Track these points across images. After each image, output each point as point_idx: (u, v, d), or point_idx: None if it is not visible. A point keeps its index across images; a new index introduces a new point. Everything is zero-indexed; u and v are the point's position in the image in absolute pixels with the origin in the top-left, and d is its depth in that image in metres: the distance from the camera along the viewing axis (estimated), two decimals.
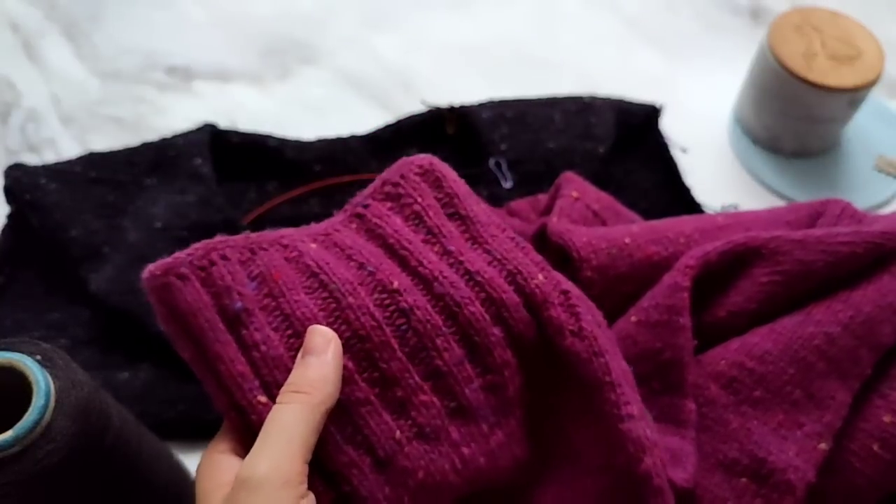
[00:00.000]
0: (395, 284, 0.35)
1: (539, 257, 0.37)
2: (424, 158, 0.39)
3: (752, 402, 0.40)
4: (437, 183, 0.38)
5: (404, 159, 0.39)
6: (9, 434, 0.29)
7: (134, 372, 0.50)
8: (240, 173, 0.58)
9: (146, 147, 0.57)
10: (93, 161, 0.56)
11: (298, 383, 0.32)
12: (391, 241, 0.36)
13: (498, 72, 0.70)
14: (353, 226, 0.38)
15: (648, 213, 0.53)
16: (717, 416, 0.40)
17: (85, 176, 0.55)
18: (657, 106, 0.63)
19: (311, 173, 0.58)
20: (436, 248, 0.36)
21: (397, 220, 0.37)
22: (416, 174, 0.38)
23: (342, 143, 0.60)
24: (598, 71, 0.70)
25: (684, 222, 0.47)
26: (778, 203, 0.62)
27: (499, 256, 0.36)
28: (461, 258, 0.36)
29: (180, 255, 0.33)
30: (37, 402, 0.30)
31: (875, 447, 0.39)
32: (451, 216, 0.38)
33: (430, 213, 0.37)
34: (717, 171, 0.64)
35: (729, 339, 0.43)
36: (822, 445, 0.39)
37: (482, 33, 0.73)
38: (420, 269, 0.35)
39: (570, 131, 0.60)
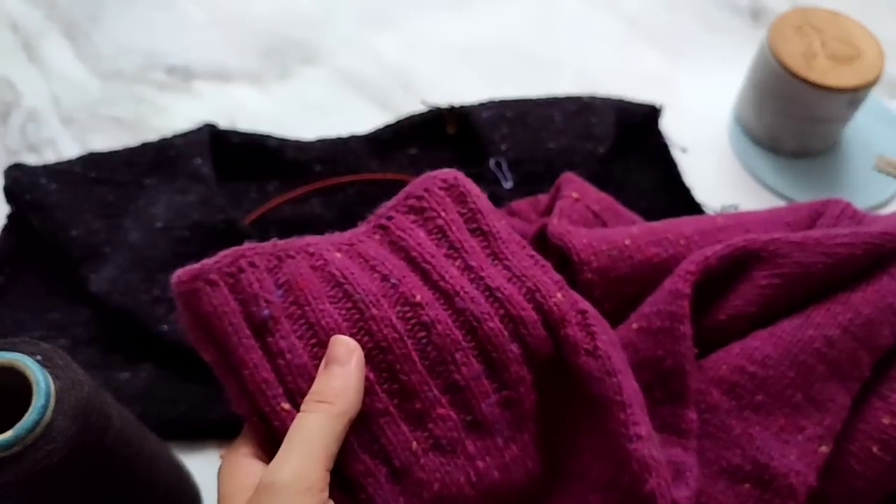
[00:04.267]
0: (418, 298, 0.35)
1: (558, 276, 0.38)
2: (449, 173, 0.39)
3: (753, 406, 0.40)
4: (461, 198, 0.39)
5: (429, 173, 0.39)
6: (9, 434, 0.29)
7: (135, 372, 0.50)
8: (240, 173, 0.58)
9: (146, 147, 0.57)
10: (93, 161, 0.56)
11: (322, 392, 0.32)
12: (414, 254, 0.37)
13: (498, 72, 0.70)
14: (377, 237, 0.38)
15: (648, 213, 0.53)
16: (720, 422, 0.40)
17: (85, 176, 0.55)
18: (657, 106, 0.63)
19: (312, 173, 0.58)
20: (457, 263, 0.37)
21: (420, 234, 0.38)
22: (440, 188, 0.39)
23: (342, 143, 0.60)
24: (598, 71, 0.70)
25: (684, 223, 0.47)
26: (778, 203, 0.62)
27: (519, 273, 0.37)
28: (482, 274, 0.36)
29: (209, 261, 0.34)
30: (37, 402, 0.30)
31: (874, 449, 0.39)
32: (473, 231, 0.38)
33: (454, 228, 0.38)
34: (717, 171, 0.64)
35: (729, 343, 0.43)
36: (823, 448, 0.39)
37: (482, 33, 0.73)
38: (441, 283, 0.36)
39: (570, 131, 0.60)
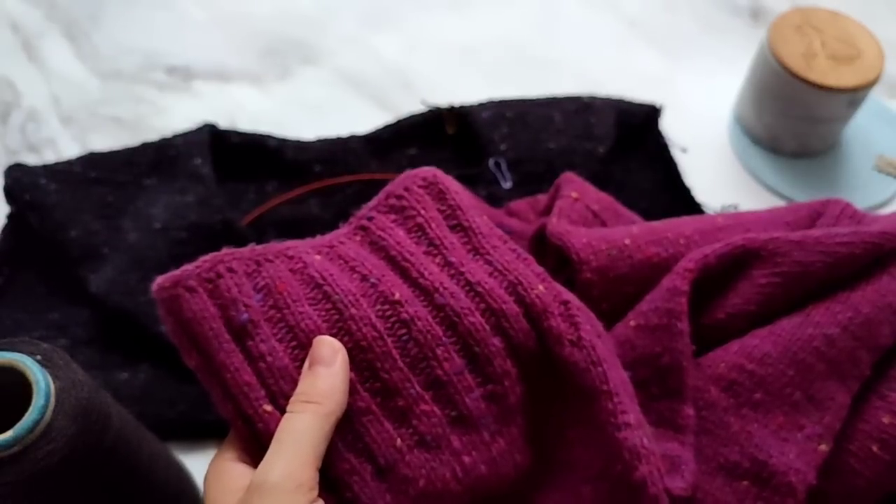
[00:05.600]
0: (397, 296, 0.35)
1: (540, 269, 0.38)
2: (428, 171, 0.39)
3: (752, 404, 0.40)
4: (440, 195, 0.39)
5: (408, 172, 0.40)
6: (9, 434, 0.29)
7: (134, 372, 0.50)
8: (239, 173, 0.58)
9: (146, 147, 0.57)
10: (93, 161, 0.56)
11: (309, 393, 0.32)
12: (393, 253, 0.37)
13: (498, 72, 0.70)
14: (358, 238, 0.38)
15: (648, 213, 0.53)
16: (718, 419, 0.40)
17: (85, 176, 0.55)
18: (657, 106, 0.63)
19: (311, 173, 0.58)
20: (437, 260, 0.37)
21: (400, 233, 0.38)
22: (419, 186, 0.39)
23: (342, 144, 0.60)
24: (598, 71, 0.70)
25: (684, 223, 0.47)
26: (778, 203, 0.62)
27: (500, 267, 0.37)
28: (462, 269, 0.37)
29: (188, 267, 0.34)
30: (37, 402, 0.30)
31: (874, 448, 0.39)
32: (453, 228, 0.38)
33: (433, 226, 0.38)
34: (717, 171, 0.64)
35: (728, 342, 0.43)
36: (823, 447, 0.39)
37: (482, 33, 0.73)
38: (421, 280, 0.36)
39: (570, 131, 0.60)
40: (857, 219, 0.46)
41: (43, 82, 0.66)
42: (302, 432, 0.32)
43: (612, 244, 0.44)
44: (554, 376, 0.37)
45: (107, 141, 0.62)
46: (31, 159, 0.61)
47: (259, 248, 0.36)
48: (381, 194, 0.39)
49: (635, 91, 0.65)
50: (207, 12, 0.72)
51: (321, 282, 0.35)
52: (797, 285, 0.42)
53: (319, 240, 0.38)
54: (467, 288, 0.36)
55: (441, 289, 0.36)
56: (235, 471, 0.32)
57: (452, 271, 0.37)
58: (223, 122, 0.60)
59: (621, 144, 0.62)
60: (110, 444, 0.34)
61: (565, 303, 0.37)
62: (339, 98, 0.67)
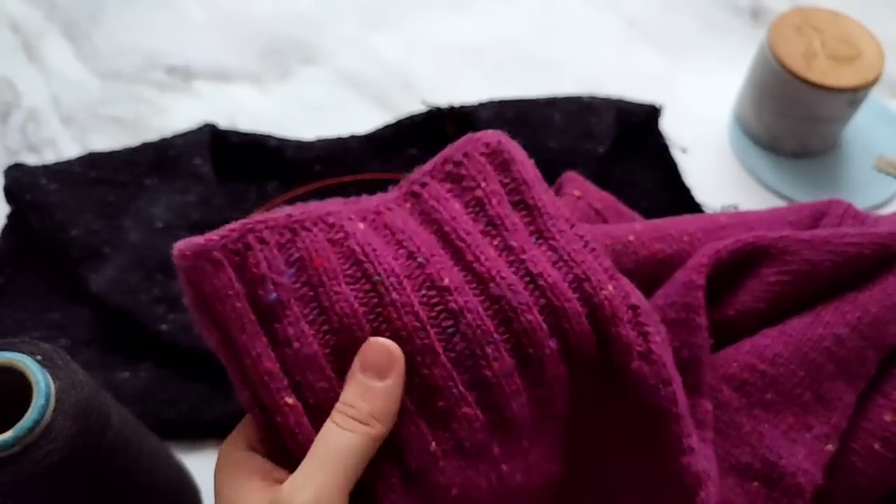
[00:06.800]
0: (446, 281, 0.31)
1: (609, 263, 0.33)
2: (493, 136, 0.34)
3: (763, 404, 0.40)
4: (504, 165, 0.34)
5: (470, 135, 0.35)
6: (9, 434, 0.29)
7: (134, 372, 0.50)
8: (240, 173, 0.58)
9: (146, 147, 0.57)
10: (93, 161, 0.56)
11: (359, 409, 0.29)
12: (447, 228, 0.32)
13: (498, 72, 0.70)
14: (408, 205, 0.34)
15: (648, 213, 0.52)
16: (730, 419, 0.40)
17: (85, 176, 0.55)
18: (657, 106, 0.63)
19: (312, 173, 0.58)
20: (496, 242, 0.33)
21: (456, 206, 0.33)
22: (481, 154, 0.34)
23: (342, 143, 0.60)
24: (598, 71, 0.70)
25: (687, 221, 0.47)
26: (778, 203, 0.62)
27: (566, 257, 0.32)
28: (523, 256, 0.32)
29: (213, 236, 0.30)
30: (37, 402, 0.30)
31: (877, 446, 0.39)
32: (516, 205, 0.34)
33: (494, 201, 0.33)
34: (717, 171, 0.64)
35: (739, 339, 0.42)
36: (829, 447, 0.39)
37: (482, 33, 0.73)
38: (476, 265, 0.31)
39: (570, 131, 0.60)
40: (859, 219, 0.46)
41: (43, 82, 0.66)
42: (343, 454, 0.28)
43: (616, 240, 0.44)
44: (607, 386, 0.33)
45: (107, 141, 0.62)
46: (31, 159, 0.60)
47: (296, 213, 0.31)
48: (438, 158, 0.34)
49: (635, 91, 0.65)
50: (207, 12, 0.72)
51: (362, 257, 0.31)
52: (806, 284, 0.42)
53: (365, 202, 0.34)
54: (528, 279, 0.32)
55: (498, 278, 0.31)
56: (248, 464, 0.30)
57: (512, 257, 0.32)
58: (223, 122, 0.60)
59: (621, 144, 0.62)
60: (110, 444, 0.34)
61: (634, 307, 0.33)
62: (339, 98, 0.67)
